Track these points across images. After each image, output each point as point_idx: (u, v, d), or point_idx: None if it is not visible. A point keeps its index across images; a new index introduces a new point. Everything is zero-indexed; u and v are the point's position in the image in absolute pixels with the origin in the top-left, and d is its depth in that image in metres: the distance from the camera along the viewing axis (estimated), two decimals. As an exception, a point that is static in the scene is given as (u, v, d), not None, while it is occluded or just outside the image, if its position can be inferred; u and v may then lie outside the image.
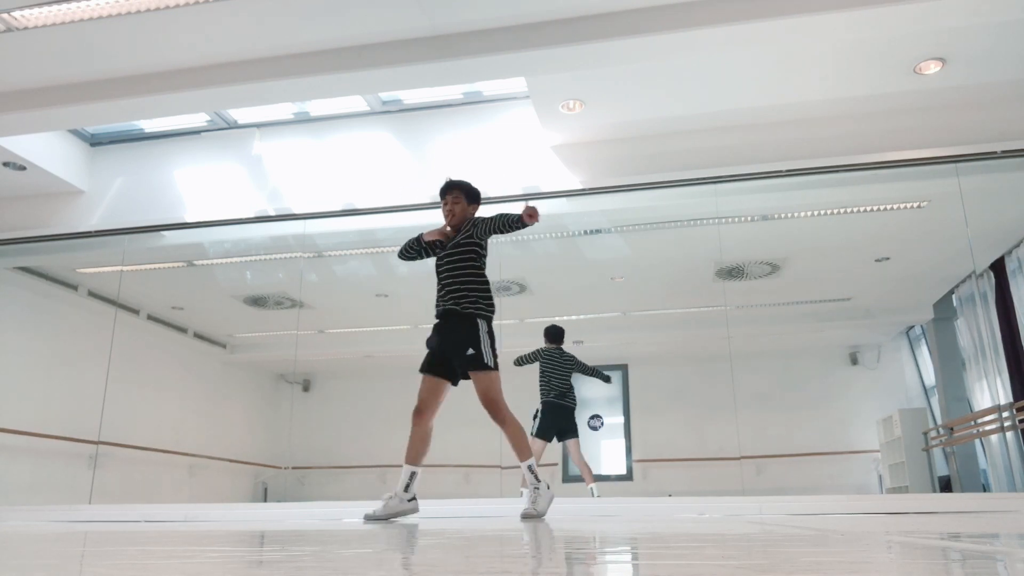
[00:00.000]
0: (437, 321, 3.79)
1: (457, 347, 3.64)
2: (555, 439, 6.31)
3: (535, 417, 6.26)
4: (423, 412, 3.67)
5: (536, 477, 3.58)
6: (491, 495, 6.31)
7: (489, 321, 3.72)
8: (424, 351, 3.80)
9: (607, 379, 6.54)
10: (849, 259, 6.95)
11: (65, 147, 6.44)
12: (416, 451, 3.66)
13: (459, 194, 3.93)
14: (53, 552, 1.51)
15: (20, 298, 7.20)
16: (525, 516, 3.49)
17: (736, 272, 7.02)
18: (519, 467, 3.66)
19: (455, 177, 4.05)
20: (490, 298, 3.77)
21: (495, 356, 3.67)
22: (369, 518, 3.56)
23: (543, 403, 6.30)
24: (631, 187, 5.80)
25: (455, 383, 3.74)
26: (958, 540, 1.57)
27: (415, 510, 3.68)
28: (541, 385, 6.32)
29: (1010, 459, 5.69)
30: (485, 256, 3.85)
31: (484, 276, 3.81)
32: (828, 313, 7.78)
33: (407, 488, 3.63)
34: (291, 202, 6.27)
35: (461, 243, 3.79)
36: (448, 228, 3.91)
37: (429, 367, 3.72)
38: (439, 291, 3.80)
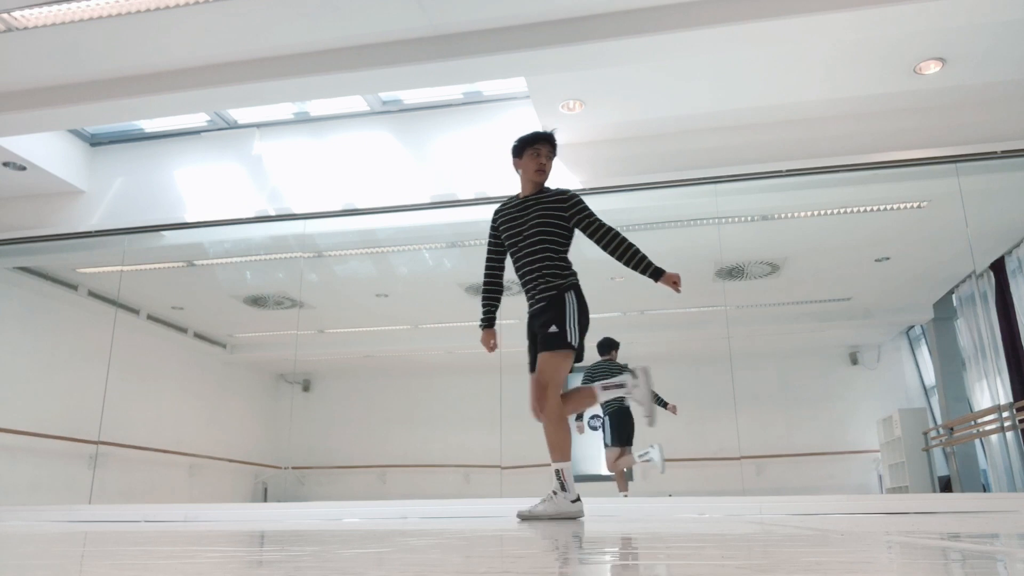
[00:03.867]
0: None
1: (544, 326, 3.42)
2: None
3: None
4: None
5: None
6: (491, 495, 6.31)
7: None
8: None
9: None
10: (849, 259, 6.95)
11: (65, 147, 6.44)
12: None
13: (552, 152, 3.60)
14: (53, 552, 1.51)
15: (20, 298, 7.20)
16: (522, 516, 3.34)
17: (736, 272, 7.02)
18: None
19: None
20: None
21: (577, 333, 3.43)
22: None
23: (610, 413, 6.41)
24: (631, 187, 5.80)
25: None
26: (958, 540, 1.57)
27: None
28: None
29: (1010, 459, 5.69)
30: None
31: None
32: (828, 313, 7.78)
33: None
34: (291, 202, 6.27)
35: (551, 213, 3.49)
36: None
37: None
38: (522, 279, 3.52)
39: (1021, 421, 5.56)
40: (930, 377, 7.36)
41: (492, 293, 3.73)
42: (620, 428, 6.42)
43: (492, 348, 3.68)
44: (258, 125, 6.49)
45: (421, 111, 6.23)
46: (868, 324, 7.81)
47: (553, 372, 3.38)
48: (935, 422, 7.08)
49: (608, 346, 6.50)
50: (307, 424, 8.67)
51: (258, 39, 4.71)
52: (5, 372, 6.69)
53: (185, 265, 7.65)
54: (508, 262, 3.71)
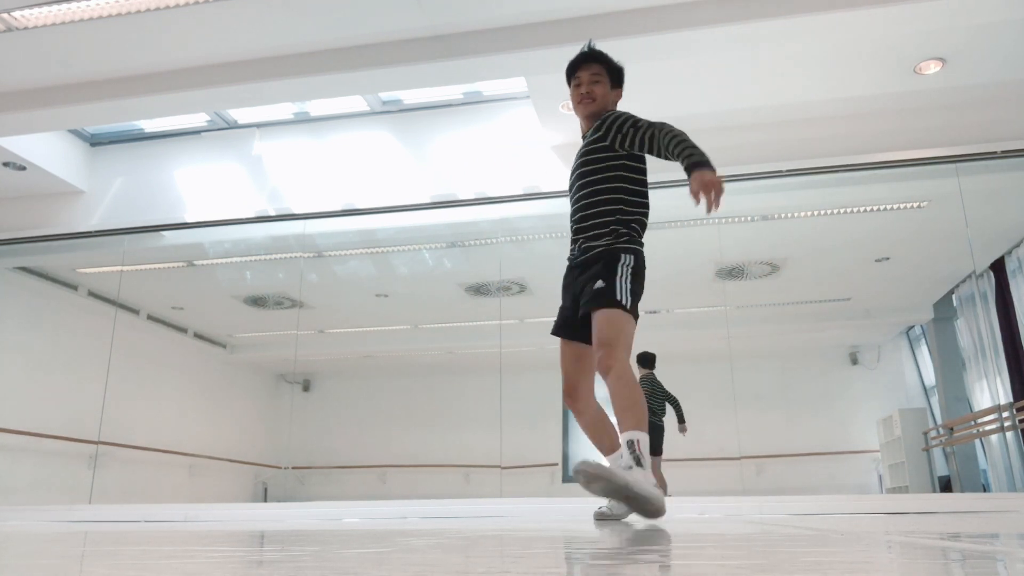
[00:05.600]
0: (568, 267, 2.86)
1: (586, 283, 2.71)
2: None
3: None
4: (576, 392, 2.77)
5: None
6: (491, 495, 6.31)
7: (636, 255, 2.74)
8: None
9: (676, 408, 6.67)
10: (849, 259, 6.95)
11: (65, 147, 6.44)
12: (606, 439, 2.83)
13: (601, 69, 2.88)
14: (53, 552, 1.51)
15: (20, 298, 7.20)
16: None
17: (736, 272, 7.02)
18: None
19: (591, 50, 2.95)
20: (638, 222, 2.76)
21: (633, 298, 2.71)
22: None
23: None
24: (631, 187, 5.79)
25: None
26: (958, 540, 1.57)
27: None
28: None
29: (1010, 459, 5.69)
30: (640, 164, 2.82)
31: (634, 192, 2.78)
32: (828, 313, 7.78)
33: None
34: (291, 202, 6.28)
35: (595, 147, 2.79)
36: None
37: (563, 328, 2.81)
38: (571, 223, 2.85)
39: (1021, 421, 5.56)
40: (930, 377, 7.36)
41: None
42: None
43: None
44: (258, 125, 6.50)
45: (421, 111, 6.23)
46: (868, 324, 7.81)
47: (618, 330, 2.66)
48: (935, 422, 7.08)
49: (648, 360, 6.52)
50: (307, 424, 8.67)
51: (258, 39, 4.71)
52: (5, 372, 6.69)
53: (185, 265, 7.65)
54: None
